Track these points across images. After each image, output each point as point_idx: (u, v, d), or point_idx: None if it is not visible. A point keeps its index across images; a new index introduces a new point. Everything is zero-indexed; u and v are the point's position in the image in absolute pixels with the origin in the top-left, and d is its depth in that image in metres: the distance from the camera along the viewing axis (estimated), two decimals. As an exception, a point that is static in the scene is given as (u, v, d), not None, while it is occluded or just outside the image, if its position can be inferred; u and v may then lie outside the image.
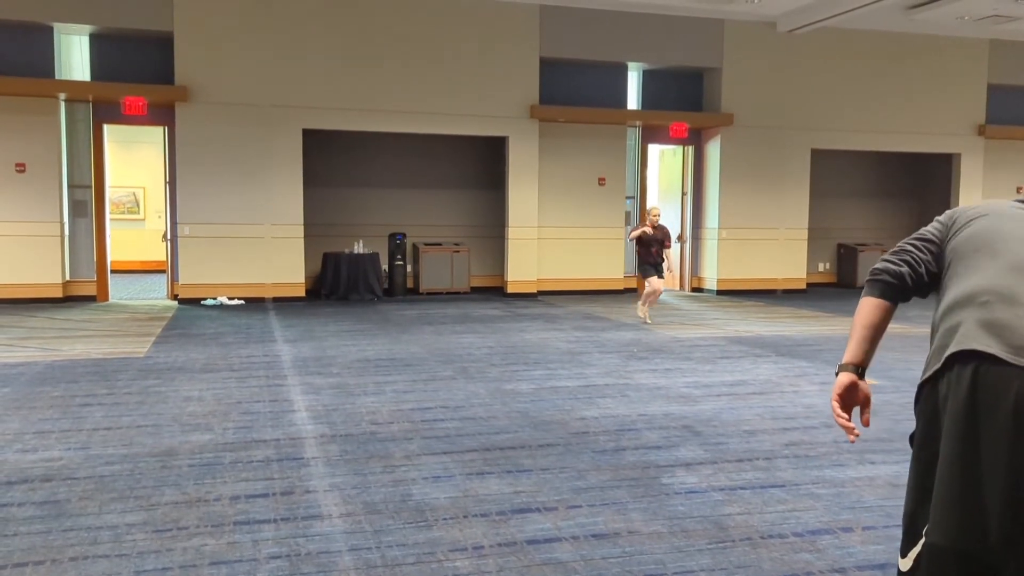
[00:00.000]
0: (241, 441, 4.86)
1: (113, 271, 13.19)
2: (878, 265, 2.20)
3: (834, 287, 16.15)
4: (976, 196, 15.37)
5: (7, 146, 11.68)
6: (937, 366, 1.92)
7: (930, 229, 2.22)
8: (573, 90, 13.92)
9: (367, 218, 14.20)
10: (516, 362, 7.59)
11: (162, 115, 12.31)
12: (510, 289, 13.73)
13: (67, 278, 12.21)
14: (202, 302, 12.21)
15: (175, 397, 6.01)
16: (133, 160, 17.85)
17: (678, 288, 15.16)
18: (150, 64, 12.27)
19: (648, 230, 10.48)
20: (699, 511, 3.78)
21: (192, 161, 12.21)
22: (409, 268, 14.10)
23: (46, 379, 6.59)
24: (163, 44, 12.14)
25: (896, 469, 4.43)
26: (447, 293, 13.89)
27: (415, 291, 14.04)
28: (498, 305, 12.49)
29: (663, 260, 10.48)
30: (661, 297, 10.67)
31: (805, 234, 15.06)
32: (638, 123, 14.53)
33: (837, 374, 2.16)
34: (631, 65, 14.30)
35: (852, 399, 2.14)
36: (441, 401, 5.96)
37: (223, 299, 12.31)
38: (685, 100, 14.67)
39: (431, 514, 3.70)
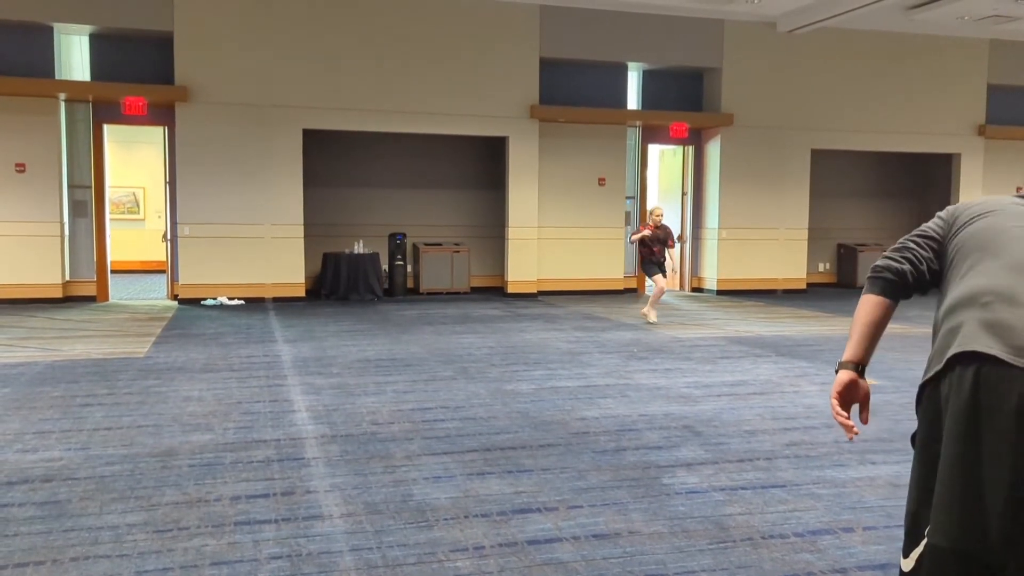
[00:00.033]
0: (241, 441, 4.86)
1: (113, 271, 13.19)
2: (879, 262, 2.19)
3: (834, 287, 16.15)
4: (976, 196, 15.32)
5: (7, 146, 11.68)
6: (939, 367, 1.92)
7: (931, 226, 2.21)
8: (573, 90, 13.92)
9: (367, 218, 14.20)
10: (516, 362, 7.59)
11: (162, 115, 12.31)
12: (510, 289, 13.73)
13: (67, 278, 12.21)
14: (202, 302, 12.21)
15: (175, 397, 6.01)
16: (133, 160, 17.85)
17: (678, 288, 15.16)
18: (150, 64, 12.27)
19: (647, 233, 10.54)
20: (700, 511, 3.78)
21: (192, 161, 12.21)
22: (409, 268, 14.10)
23: (46, 379, 6.59)
24: (163, 44, 12.14)
25: (897, 469, 4.43)
26: (447, 293, 13.89)
27: (415, 291, 14.04)
28: (498, 305, 12.49)
29: (665, 259, 10.52)
30: (663, 297, 10.67)
31: (805, 234, 15.07)
32: (638, 123, 14.54)
33: (837, 372, 2.16)
34: (631, 65, 14.30)
35: (852, 397, 2.14)
36: (441, 401, 5.96)
37: (223, 299, 12.31)
38: (685, 100, 14.67)
39: (432, 514, 3.70)
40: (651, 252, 10.48)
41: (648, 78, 14.60)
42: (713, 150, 14.68)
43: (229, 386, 6.42)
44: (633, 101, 14.62)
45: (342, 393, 6.19)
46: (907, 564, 2.01)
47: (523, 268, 13.76)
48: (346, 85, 12.69)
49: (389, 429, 5.17)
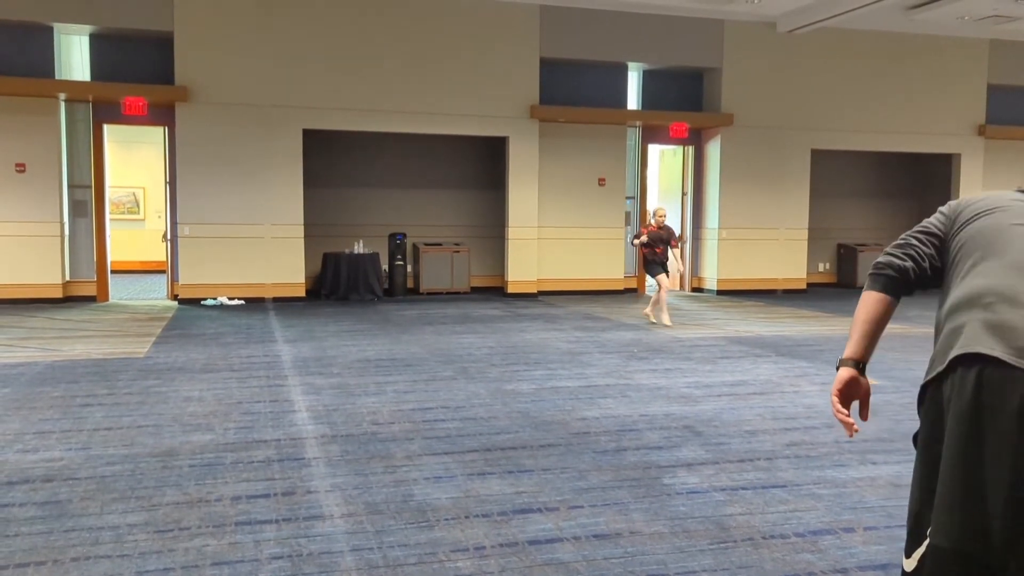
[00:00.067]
0: (242, 441, 4.86)
1: (113, 271, 13.19)
2: (881, 259, 2.18)
3: (834, 287, 16.15)
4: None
5: (7, 146, 11.68)
6: (941, 368, 1.92)
7: (933, 222, 2.20)
8: (573, 90, 13.92)
9: (367, 218, 14.20)
10: (517, 362, 7.59)
11: (162, 115, 12.31)
12: (510, 289, 13.73)
13: (67, 278, 12.21)
14: (202, 302, 12.20)
15: (175, 397, 6.01)
16: (133, 160, 17.85)
17: (678, 288, 15.15)
18: (150, 64, 12.27)
19: (645, 239, 10.47)
20: (701, 511, 3.78)
21: (192, 161, 12.21)
22: (409, 268, 14.10)
23: (46, 379, 6.58)
24: (163, 44, 12.14)
25: (898, 469, 4.43)
26: (447, 293, 13.89)
27: (415, 291, 14.03)
28: (498, 305, 12.49)
29: (668, 258, 10.55)
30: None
31: (805, 234, 15.07)
32: (638, 123, 14.54)
33: (837, 369, 2.16)
34: (631, 65, 14.30)
35: (852, 394, 2.14)
36: (442, 401, 5.95)
37: (223, 299, 12.31)
38: (685, 100, 14.67)
39: (433, 514, 3.70)
40: (654, 252, 10.45)
41: (648, 78, 14.61)
42: (713, 150, 14.69)
43: (229, 386, 6.42)
44: (633, 101, 14.62)
45: (342, 393, 6.19)
46: (909, 564, 2.01)
47: (523, 268, 13.76)
48: (346, 85, 12.69)
49: (389, 429, 5.17)
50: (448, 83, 13.07)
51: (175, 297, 12.53)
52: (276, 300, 12.62)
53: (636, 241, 10.73)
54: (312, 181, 13.26)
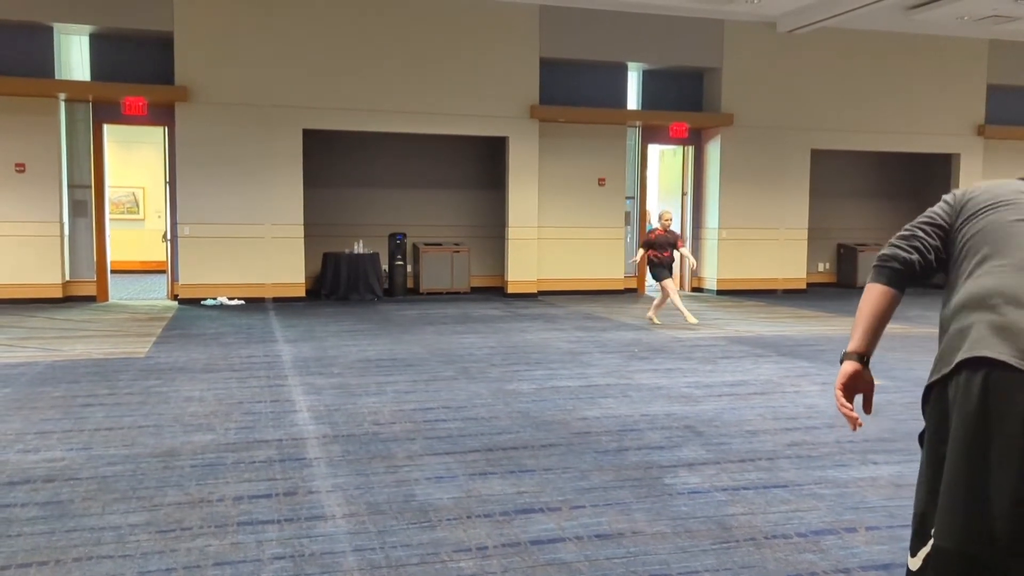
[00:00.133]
0: (243, 441, 4.86)
1: (113, 271, 13.19)
2: (886, 251, 2.15)
3: (834, 287, 16.16)
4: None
5: (7, 146, 11.67)
6: (947, 370, 1.91)
7: (938, 212, 2.17)
8: (573, 90, 13.92)
9: (367, 218, 14.20)
10: (517, 362, 7.58)
11: (162, 115, 12.30)
12: (510, 289, 13.72)
13: (67, 278, 12.21)
14: (202, 302, 12.20)
15: (176, 397, 6.01)
16: (133, 160, 17.84)
17: (679, 288, 15.13)
18: (150, 64, 12.26)
19: (640, 253, 10.89)
20: (702, 511, 3.78)
21: (192, 161, 12.20)
22: (409, 268, 14.09)
23: (47, 379, 6.58)
24: (163, 44, 12.13)
25: (899, 469, 4.43)
26: (447, 293, 13.89)
27: (415, 291, 14.03)
28: (498, 305, 12.49)
29: (674, 260, 10.61)
30: (667, 300, 10.63)
31: (805, 234, 15.07)
32: (638, 123, 14.53)
33: (841, 362, 2.15)
34: (631, 65, 14.30)
35: (856, 388, 2.13)
36: (443, 401, 5.95)
37: (223, 299, 12.31)
38: (685, 100, 14.68)
39: (434, 514, 3.70)
40: (660, 255, 10.42)
41: (648, 78, 14.61)
42: (713, 150, 14.69)
43: (230, 386, 6.42)
44: (633, 101, 14.62)
45: (343, 393, 6.19)
46: (914, 563, 2.01)
47: (523, 268, 13.76)
48: (346, 85, 12.68)
49: (391, 429, 5.17)
50: (448, 83, 13.07)
51: (175, 297, 12.53)
52: (276, 300, 12.62)
53: (637, 258, 11.16)
54: (312, 181, 13.25)
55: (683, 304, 10.53)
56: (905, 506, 3.83)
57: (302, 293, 12.87)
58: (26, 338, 8.77)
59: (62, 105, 12.08)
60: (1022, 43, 15.32)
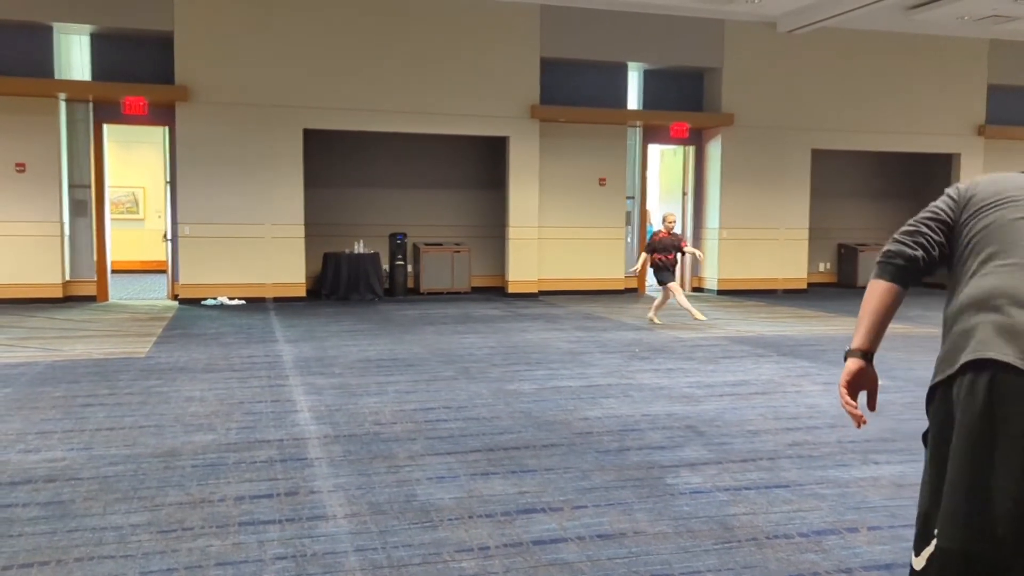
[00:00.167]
0: (244, 441, 4.86)
1: (113, 271, 13.18)
2: (891, 247, 2.13)
3: (835, 287, 16.16)
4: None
5: (7, 146, 11.67)
6: (951, 371, 1.91)
7: (942, 207, 2.15)
8: (574, 90, 13.92)
9: (368, 218, 14.20)
10: (518, 362, 7.58)
11: (162, 115, 12.30)
12: (511, 289, 13.72)
13: (67, 278, 12.20)
14: (202, 302, 12.20)
15: (177, 397, 6.00)
16: (133, 160, 17.84)
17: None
18: (150, 64, 12.26)
19: (637, 269, 11.39)
20: (704, 511, 3.78)
21: (192, 161, 12.20)
22: (410, 268, 14.09)
23: (47, 379, 6.58)
24: (163, 44, 12.13)
25: (900, 469, 4.43)
26: (448, 293, 13.89)
27: (416, 291, 14.03)
28: (499, 305, 12.48)
29: (677, 263, 10.64)
30: (668, 300, 10.64)
31: (806, 234, 15.07)
32: (639, 123, 14.54)
33: (845, 359, 2.14)
34: (631, 65, 14.30)
35: (861, 385, 2.12)
36: (444, 401, 5.95)
37: (223, 299, 12.30)
38: (686, 100, 14.68)
39: (436, 514, 3.70)
40: (664, 258, 10.40)
41: (649, 78, 14.61)
42: (714, 150, 14.69)
43: (231, 386, 6.42)
44: (634, 101, 14.62)
45: (344, 393, 6.19)
46: (918, 563, 2.01)
47: (524, 268, 13.76)
48: (346, 85, 12.68)
49: (392, 429, 5.17)
50: (448, 83, 13.07)
51: (175, 297, 12.53)
52: (276, 300, 12.62)
53: (637, 268, 11.39)
54: (312, 181, 13.25)
55: (689, 303, 10.52)
56: (906, 506, 3.83)
57: (302, 293, 12.87)
58: (26, 338, 8.77)
59: (62, 105, 12.08)
60: (1022, 43, 15.32)
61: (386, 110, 12.83)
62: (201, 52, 12.09)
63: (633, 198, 15.11)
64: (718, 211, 14.56)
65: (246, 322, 10.29)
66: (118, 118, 12.14)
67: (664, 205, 15.81)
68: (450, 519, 3.64)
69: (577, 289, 14.11)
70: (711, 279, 14.81)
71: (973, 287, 1.97)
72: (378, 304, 12.61)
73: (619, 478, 4.24)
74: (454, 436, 5.02)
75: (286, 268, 12.72)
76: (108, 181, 12.91)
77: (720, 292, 14.53)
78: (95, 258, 12.44)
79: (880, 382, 2.18)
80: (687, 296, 12.06)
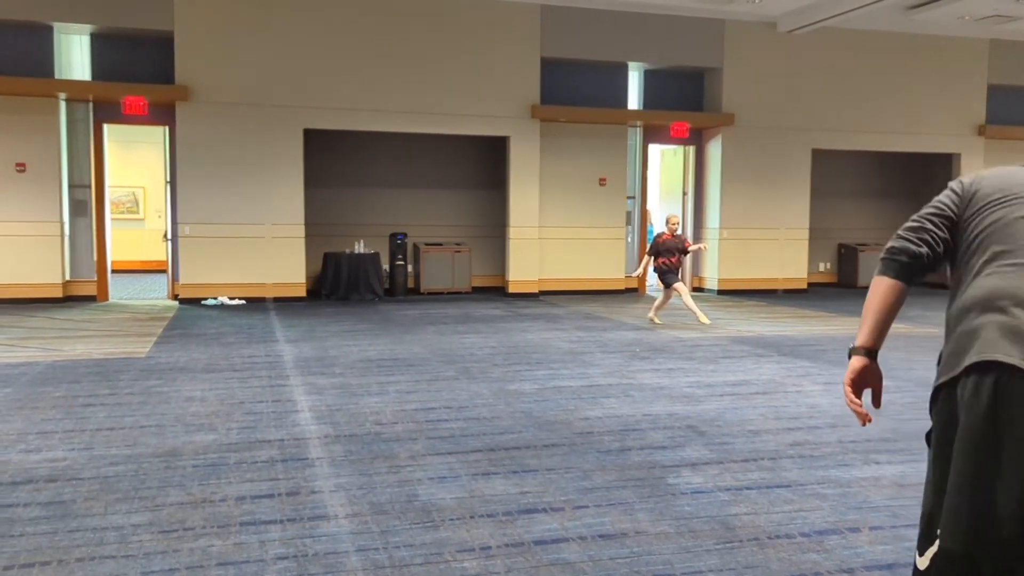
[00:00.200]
0: (245, 441, 4.85)
1: (113, 271, 13.18)
2: (895, 243, 2.12)
3: (835, 287, 16.16)
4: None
5: (7, 146, 11.66)
6: (955, 372, 1.91)
7: (946, 203, 2.14)
8: (574, 90, 13.92)
9: (368, 218, 14.19)
10: (519, 362, 7.58)
11: (162, 115, 12.29)
12: (511, 289, 13.72)
13: (67, 278, 12.20)
14: (203, 302, 12.19)
15: (177, 397, 6.00)
16: (133, 160, 17.83)
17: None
18: (150, 64, 12.26)
19: (639, 272, 11.57)
20: (706, 511, 3.78)
21: (192, 161, 12.20)
22: (410, 268, 14.09)
23: (48, 379, 6.57)
24: (163, 44, 12.13)
25: (902, 469, 4.43)
26: (448, 293, 13.88)
27: (416, 291, 14.03)
28: (499, 305, 12.48)
29: (682, 265, 10.64)
30: (668, 300, 10.63)
31: (806, 234, 15.07)
32: (639, 123, 14.53)
33: (849, 357, 2.13)
34: (632, 65, 14.30)
35: (865, 383, 2.12)
36: (445, 401, 5.95)
37: (224, 299, 12.30)
38: (686, 100, 14.67)
39: (437, 514, 3.69)
40: (669, 261, 10.38)
41: (649, 78, 14.60)
42: (714, 150, 14.68)
43: (231, 386, 6.41)
44: (634, 101, 14.62)
45: (345, 393, 6.19)
46: (922, 563, 2.01)
47: (524, 268, 13.76)
48: (346, 85, 12.68)
49: (393, 429, 5.17)
50: (449, 83, 13.07)
51: (175, 297, 12.52)
52: (277, 300, 12.61)
53: (641, 270, 11.55)
54: (313, 181, 13.25)
55: (695, 305, 10.48)
56: (908, 506, 3.83)
57: (303, 293, 12.87)
58: (26, 338, 8.76)
59: (62, 105, 12.08)
60: (1022, 43, 15.32)
61: (386, 110, 12.83)
62: (201, 52, 12.09)
63: (633, 198, 15.11)
64: (718, 211, 14.56)
65: (246, 322, 10.29)
66: (118, 118, 12.13)
67: (664, 205, 15.80)
68: (451, 519, 3.64)
69: (577, 289, 14.11)
70: (711, 279, 14.81)
71: (977, 287, 1.96)
72: (378, 304, 12.60)
73: (620, 478, 4.24)
74: (455, 436, 5.02)
75: (286, 268, 12.72)
76: (108, 181, 12.90)
77: (720, 292, 14.53)
78: (95, 258, 12.44)
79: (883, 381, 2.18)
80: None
